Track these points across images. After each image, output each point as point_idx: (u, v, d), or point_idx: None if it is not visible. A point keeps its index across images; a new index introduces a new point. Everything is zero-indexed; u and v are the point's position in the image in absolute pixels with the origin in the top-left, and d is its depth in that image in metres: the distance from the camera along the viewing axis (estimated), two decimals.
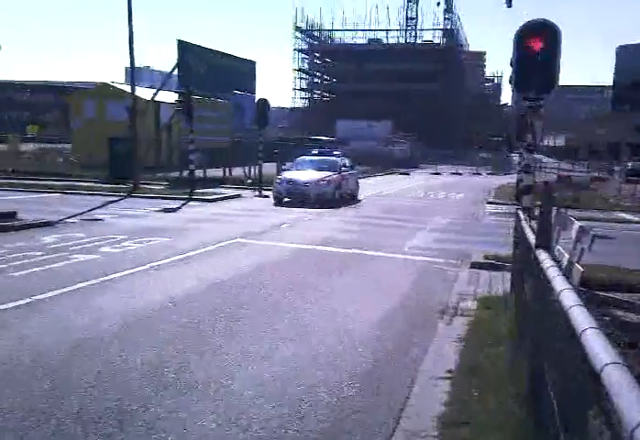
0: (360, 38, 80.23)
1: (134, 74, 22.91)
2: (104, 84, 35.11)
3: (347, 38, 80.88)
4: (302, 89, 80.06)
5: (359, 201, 20.97)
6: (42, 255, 9.40)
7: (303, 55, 78.28)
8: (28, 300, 6.80)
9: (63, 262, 8.92)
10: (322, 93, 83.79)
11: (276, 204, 18.71)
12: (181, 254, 9.97)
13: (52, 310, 6.51)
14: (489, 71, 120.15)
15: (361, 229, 14.30)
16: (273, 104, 31.06)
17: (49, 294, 7.08)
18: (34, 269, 8.35)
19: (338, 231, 13.73)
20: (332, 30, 79.56)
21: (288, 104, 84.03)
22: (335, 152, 22.77)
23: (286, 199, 18.94)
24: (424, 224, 15.48)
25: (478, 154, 53.27)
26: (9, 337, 5.57)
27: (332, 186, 19.14)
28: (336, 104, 74.78)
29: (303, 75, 79.62)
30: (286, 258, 10.19)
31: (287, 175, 19.62)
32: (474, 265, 9.69)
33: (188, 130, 21.39)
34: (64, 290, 7.32)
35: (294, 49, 76.78)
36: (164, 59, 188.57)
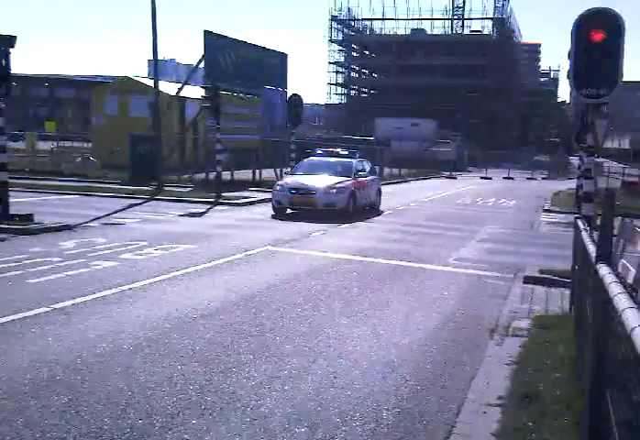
0: (402, 29, 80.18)
1: (157, 67, 23.34)
2: (126, 78, 35.83)
3: (388, 28, 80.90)
4: (338, 84, 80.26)
5: (381, 212, 19.15)
6: (61, 261, 9.65)
7: (340, 47, 78.55)
8: (46, 309, 7.00)
9: (83, 269, 9.15)
10: (359, 89, 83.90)
11: (275, 217, 16.73)
12: (207, 262, 10.11)
13: (71, 320, 6.68)
14: (544, 65, 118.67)
15: (393, 241, 14.27)
16: (307, 100, 31.29)
17: (68, 303, 7.27)
18: (52, 276, 8.58)
19: (375, 240, 13.74)
20: (371, 20, 79.65)
21: (323, 100, 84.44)
22: (344, 152, 20.15)
23: (289, 210, 17.27)
24: (473, 233, 15.40)
25: (533, 156, 52.57)
26: (26, 348, 5.73)
27: (345, 194, 17.04)
28: (375, 101, 74.84)
29: (340, 69, 79.84)
30: (319, 269, 10.24)
31: (289, 180, 17.73)
32: (528, 280, 9.60)
33: (215, 128, 21.67)
34: (83, 298, 7.51)
35: (330, 41, 77.11)
36: (190, 51, 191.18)
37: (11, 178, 14.66)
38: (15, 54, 12.91)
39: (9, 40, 12.81)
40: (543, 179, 44.23)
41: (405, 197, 25.25)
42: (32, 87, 63.58)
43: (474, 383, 5.31)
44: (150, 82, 25.60)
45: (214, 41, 34.00)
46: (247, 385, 5.10)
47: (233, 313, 7.23)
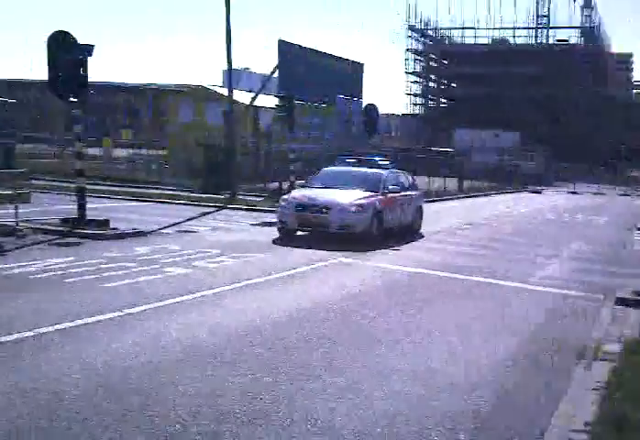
0: (483, 38, 79.16)
1: (232, 77, 23.89)
2: (200, 87, 36.81)
3: (468, 37, 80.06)
4: (415, 94, 79.97)
5: (420, 237, 15.96)
6: (135, 266, 9.99)
7: (417, 57, 78.26)
8: (119, 313, 7.24)
9: (156, 275, 9.44)
10: (438, 99, 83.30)
11: (277, 240, 13.91)
12: (279, 272, 10.25)
13: (143, 325, 6.88)
14: (637, 76, 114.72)
15: (472, 256, 14.03)
16: (383, 110, 31.29)
17: (141, 308, 7.51)
18: (126, 281, 8.90)
19: (452, 256, 13.56)
20: (450, 29, 79.04)
21: (399, 110, 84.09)
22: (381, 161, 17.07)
23: (299, 232, 14.59)
24: (559, 251, 15.02)
25: (627, 172, 50.71)
26: (99, 352, 5.94)
27: (367, 214, 13.97)
28: (453, 111, 74.06)
29: (417, 79, 79.55)
30: (393, 282, 10.19)
31: (297, 194, 14.77)
32: (620, 301, 9.26)
33: (288, 138, 21.98)
34: (156, 304, 7.74)
35: (407, 50, 76.98)
36: (264, 60, 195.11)
37: (88, 184, 15.31)
38: (93, 62, 13.52)
39: (88, 49, 13.45)
40: (638, 195, 42.59)
41: (485, 211, 24.84)
42: (108, 94, 66.25)
43: (560, 408, 5.14)
44: (224, 91, 26.20)
45: (288, 50, 34.56)
46: (318, 398, 5.11)
47: (305, 324, 7.28)
